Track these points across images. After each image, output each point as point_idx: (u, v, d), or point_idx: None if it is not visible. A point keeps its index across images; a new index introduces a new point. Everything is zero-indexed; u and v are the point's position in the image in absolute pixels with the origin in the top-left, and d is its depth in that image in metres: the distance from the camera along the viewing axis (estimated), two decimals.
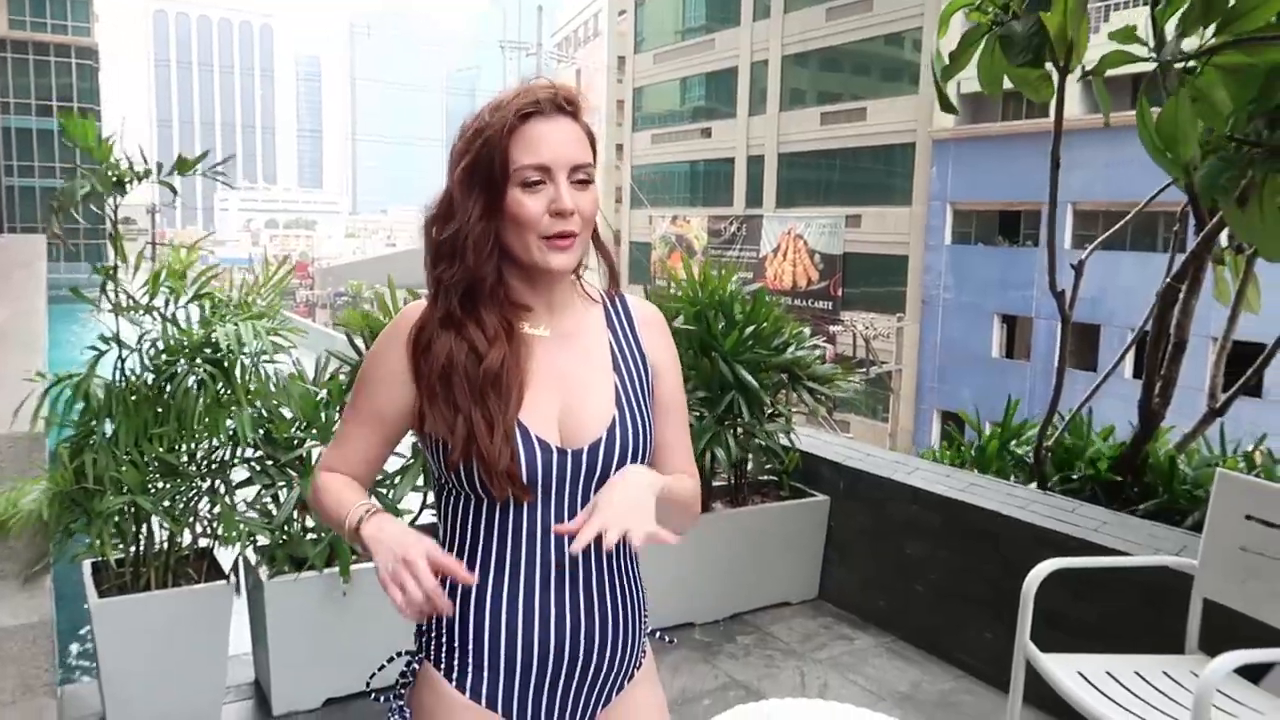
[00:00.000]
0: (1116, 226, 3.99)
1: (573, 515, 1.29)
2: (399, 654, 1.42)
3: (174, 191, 2.82)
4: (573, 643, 1.30)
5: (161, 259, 2.82)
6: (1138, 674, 2.41)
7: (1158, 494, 3.55)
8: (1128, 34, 2.65)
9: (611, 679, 1.36)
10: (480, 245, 1.27)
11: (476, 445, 1.25)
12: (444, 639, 1.32)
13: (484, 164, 1.26)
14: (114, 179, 2.67)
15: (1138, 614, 2.84)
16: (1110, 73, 2.82)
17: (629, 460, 1.32)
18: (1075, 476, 3.75)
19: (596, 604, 1.32)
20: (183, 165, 2.74)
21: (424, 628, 1.36)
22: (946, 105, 3.26)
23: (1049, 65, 3.04)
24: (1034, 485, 3.71)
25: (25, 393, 2.82)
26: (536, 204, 1.25)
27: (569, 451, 1.30)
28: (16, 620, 2.62)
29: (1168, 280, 3.43)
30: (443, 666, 1.32)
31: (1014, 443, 4.27)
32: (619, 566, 1.37)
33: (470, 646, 1.30)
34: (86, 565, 2.90)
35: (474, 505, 1.31)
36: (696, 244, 34.21)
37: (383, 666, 1.46)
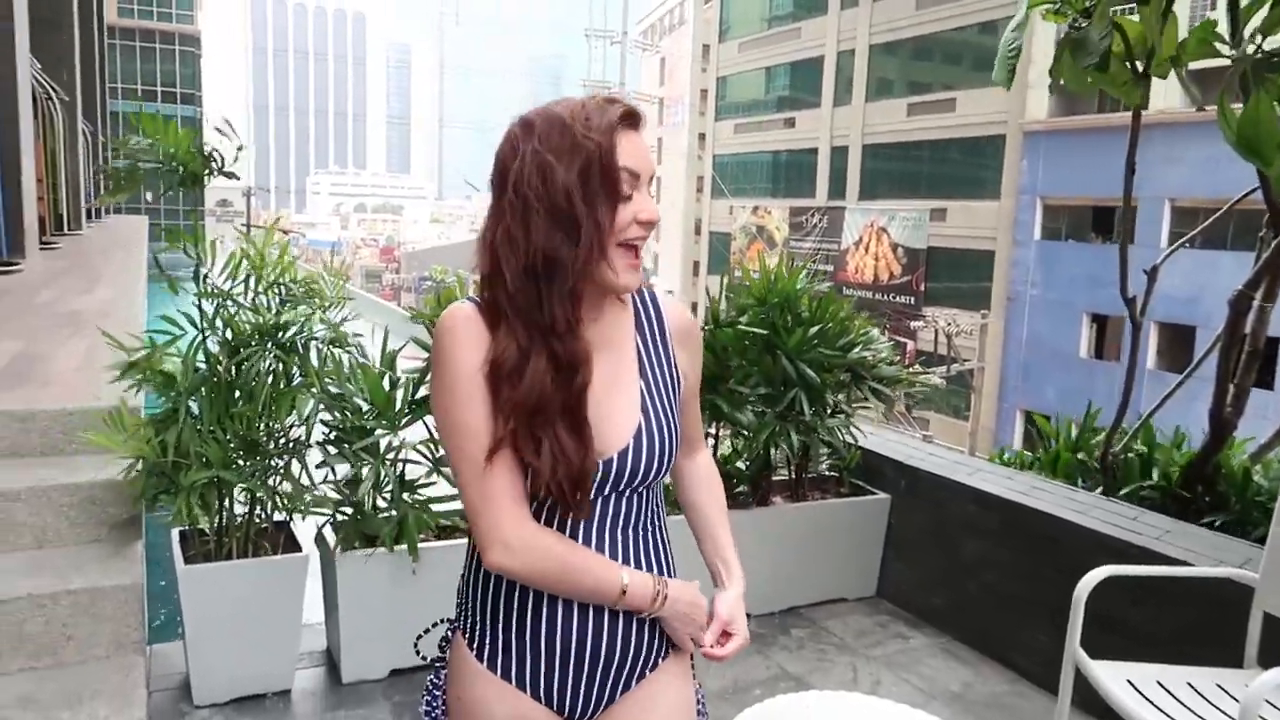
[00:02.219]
0: (1201, 227, 3.89)
1: (599, 520, 1.36)
2: (443, 620, 1.52)
3: (236, 177, 2.96)
4: (595, 630, 1.36)
5: (244, 244, 2.97)
6: (1190, 685, 2.38)
7: (1230, 506, 3.47)
8: (1206, 29, 2.59)
9: (632, 665, 1.40)
10: (601, 266, 1.27)
11: (567, 467, 1.27)
12: (474, 615, 1.41)
13: (598, 171, 1.25)
14: (183, 169, 2.82)
15: (1197, 625, 2.79)
16: (1208, 65, 2.77)
17: (655, 465, 1.36)
18: (1145, 485, 3.68)
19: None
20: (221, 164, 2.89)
21: (460, 601, 1.45)
22: (1005, 79, 3.19)
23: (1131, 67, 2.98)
24: (1100, 492, 3.66)
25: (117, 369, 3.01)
26: (626, 212, 1.29)
27: (599, 461, 1.33)
28: (110, 581, 2.81)
29: (1239, 288, 3.34)
30: (469, 637, 1.42)
31: (1086, 446, 4.21)
32: (645, 555, 1.41)
33: (495, 625, 1.38)
34: (175, 533, 3.09)
35: None
36: (777, 235, 33.98)
37: (428, 630, 1.56)
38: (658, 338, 1.45)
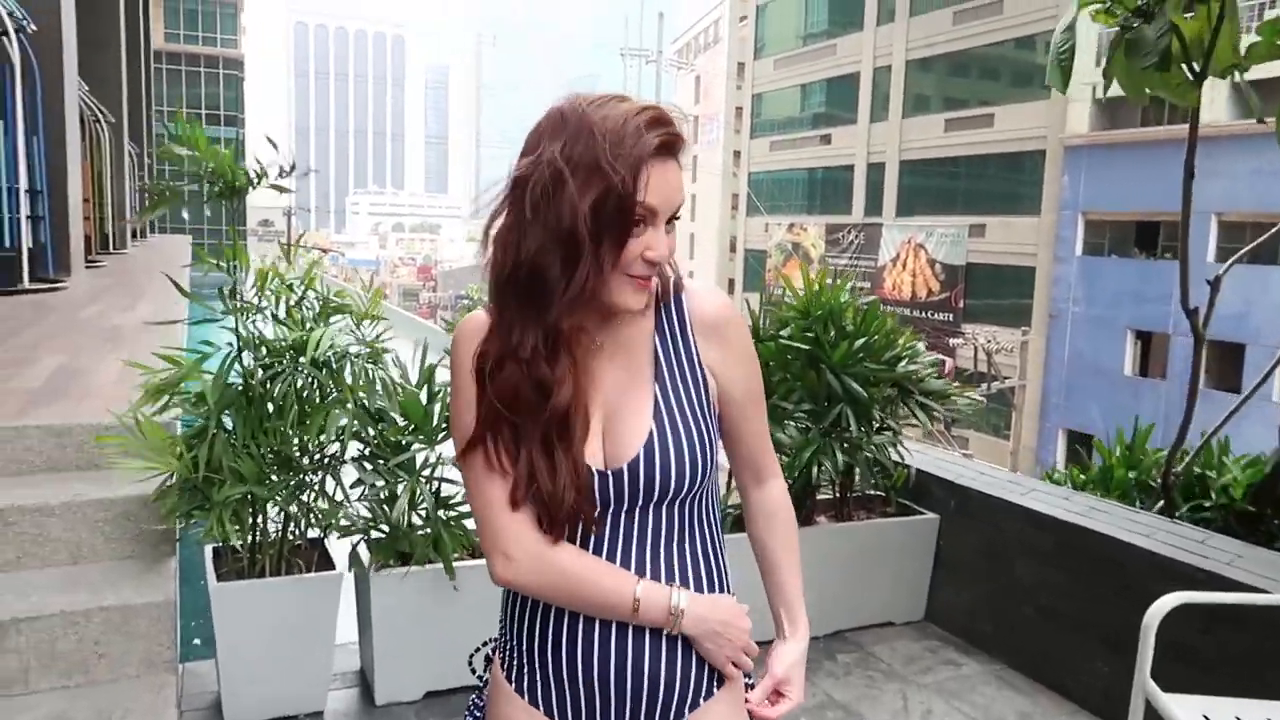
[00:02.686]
0: (1260, 240, 3.73)
1: (626, 536, 1.27)
2: (491, 640, 1.46)
3: (286, 191, 2.93)
4: (635, 662, 1.26)
5: (276, 261, 2.93)
6: None
7: None
8: (1274, 29, 2.47)
9: (678, 698, 1.30)
10: (600, 289, 1.18)
11: (538, 487, 1.21)
12: (506, 635, 1.35)
13: (613, 206, 1.14)
14: (223, 183, 2.79)
15: (1273, 655, 2.63)
16: (1266, 75, 2.64)
17: (673, 479, 1.25)
18: (1207, 505, 3.52)
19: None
20: (262, 178, 2.86)
21: (501, 627, 1.38)
22: (1059, 81, 3.06)
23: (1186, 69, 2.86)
24: (1160, 512, 3.50)
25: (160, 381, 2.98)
26: (634, 247, 1.19)
27: (609, 474, 1.24)
28: (142, 599, 2.77)
29: None
30: (503, 659, 1.36)
31: (1139, 470, 4.05)
32: (685, 579, 1.31)
33: (526, 647, 1.31)
34: (208, 550, 3.04)
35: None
36: (813, 252, 33.79)
37: (478, 649, 1.49)
38: (679, 335, 1.32)
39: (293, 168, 3.14)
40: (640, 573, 1.27)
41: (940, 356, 4.67)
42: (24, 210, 8.29)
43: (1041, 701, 3.20)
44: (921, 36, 30.10)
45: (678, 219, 1.24)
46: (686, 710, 1.31)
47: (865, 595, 3.72)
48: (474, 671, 1.49)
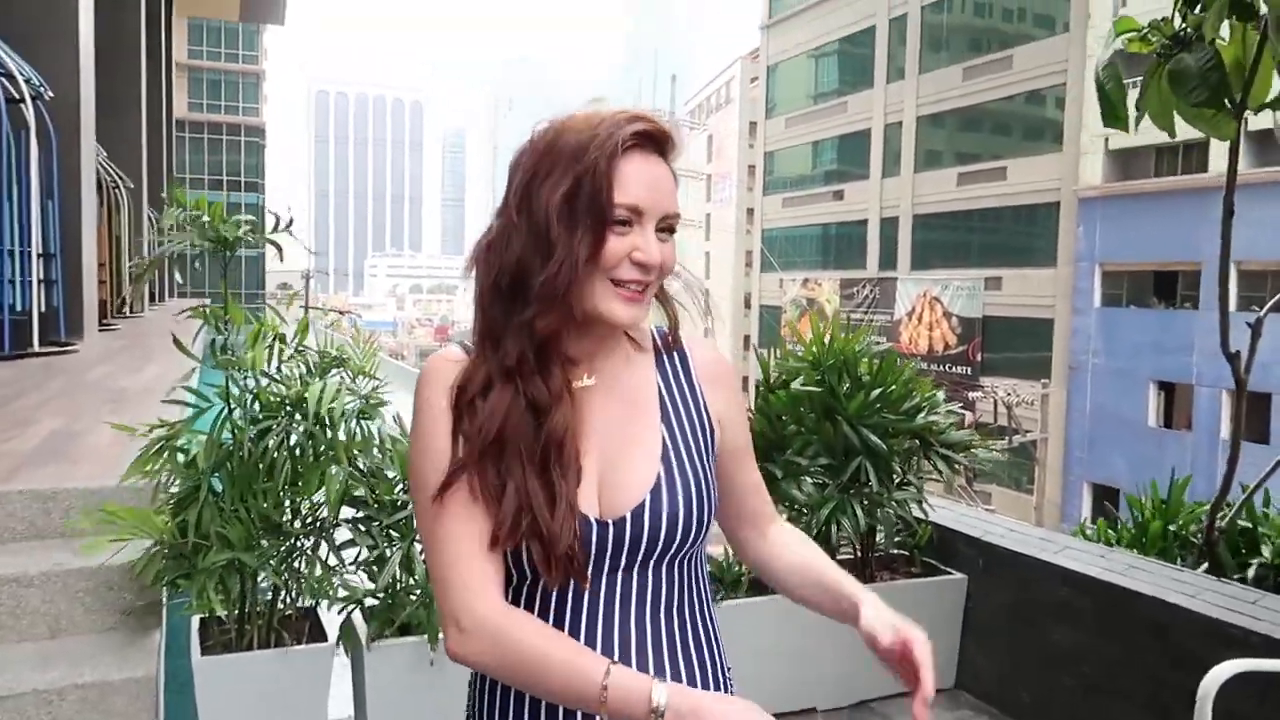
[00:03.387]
0: None
1: (621, 598, 1.12)
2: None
3: (278, 248, 2.85)
4: None
5: (264, 325, 2.83)
6: None
7: None
8: None
9: None
10: (580, 290, 1.09)
11: (534, 522, 1.07)
12: (474, 714, 1.21)
13: (586, 195, 1.08)
14: (220, 239, 2.71)
15: None
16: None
17: (678, 529, 1.13)
18: (1255, 563, 3.31)
19: None
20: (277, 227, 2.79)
21: (468, 700, 1.23)
22: (1117, 119, 2.92)
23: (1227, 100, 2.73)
24: (1204, 570, 3.29)
25: (149, 445, 2.86)
26: (619, 247, 1.09)
27: (609, 523, 1.11)
28: (122, 674, 2.61)
29: None
30: None
31: (1179, 524, 3.84)
32: (685, 649, 1.16)
33: None
34: (194, 621, 2.89)
35: (514, 588, 1.15)
36: (828, 307, 33.73)
37: None
38: (683, 379, 1.23)
39: (290, 223, 3.09)
40: (640, 646, 1.12)
41: (959, 411, 4.50)
42: (36, 274, 8.30)
43: None
44: (932, 92, 30.35)
45: (673, 230, 1.14)
46: None
47: None
48: None
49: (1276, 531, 3.39)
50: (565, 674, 1.04)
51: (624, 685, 1.02)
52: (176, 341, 2.68)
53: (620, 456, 1.14)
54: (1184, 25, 2.65)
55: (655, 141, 1.12)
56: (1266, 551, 3.35)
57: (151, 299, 19.06)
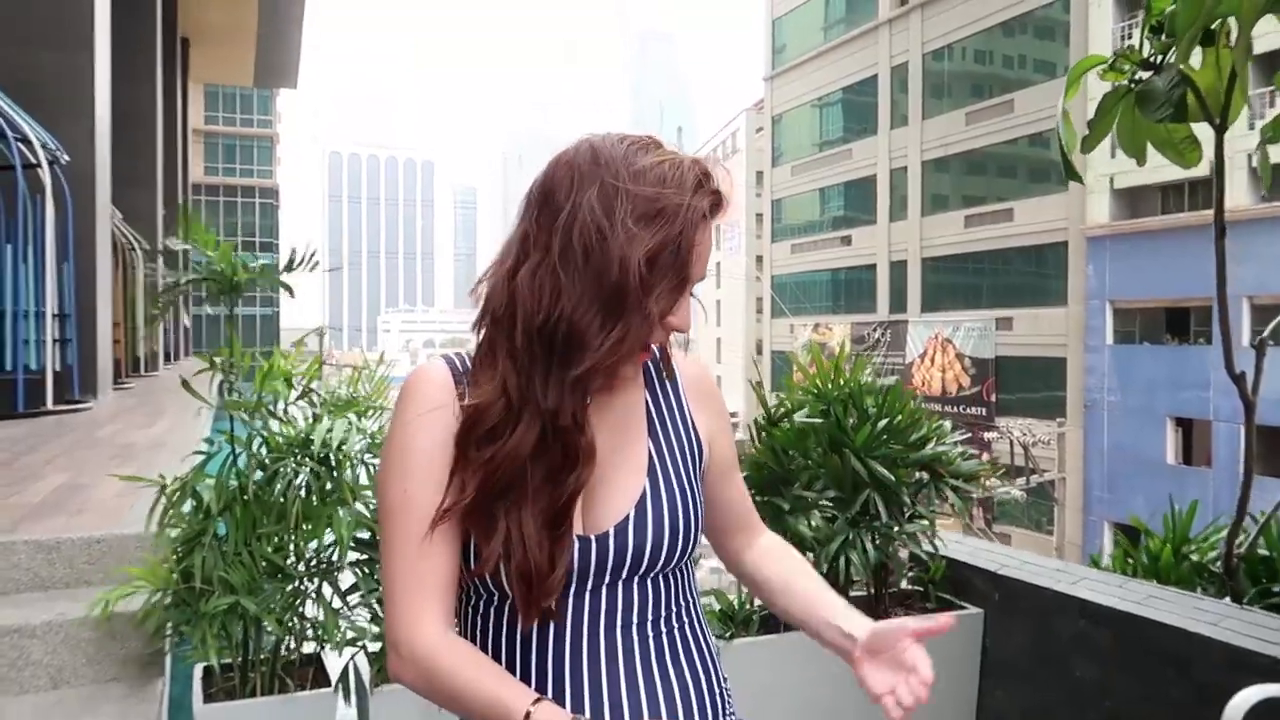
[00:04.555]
0: None
1: (606, 613, 1.10)
2: None
3: (289, 290, 2.86)
4: None
5: (272, 366, 2.83)
6: None
7: None
8: None
9: None
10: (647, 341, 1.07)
11: (523, 562, 1.04)
12: None
13: (671, 255, 1.03)
14: (229, 277, 2.72)
15: None
16: None
17: (664, 543, 1.10)
18: (1277, 589, 3.23)
19: (645, 705, 1.09)
20: (290, 265, 2.78)
21: None
22: (1071, 173, 2.98)
23: (1197, 125, 2.74)
24: (1226, 600, 3.22)
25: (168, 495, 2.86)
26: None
27: (593, 539, 1.09)
28: None
29: None
30: None
31: (1194, 551, 3.76)
32: (676, 662, 1.13)
33: None
34: (197, 669, 2.85)
35: (489, 605, 1.12)
36: (839, 351, 33.68)
37: None
38: (670, 395, 1.21)
39: (305, 259, 3.04)
40: (628, 660, 1.09)
41: (975, 450, 4.43)
42: (51, 334, 8.39)
43: None
44: (936, 138, 30.61)
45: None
46: None
47: None
48: None
49: None
50: (486, 707, 1.03)
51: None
52: (185, 384, 2.68)
53: (606, 473, 1.12)
54: (1152, 51, 2.68)
55: (718, 210, 1.10)
56: None
57: (166, 358, 19.23)
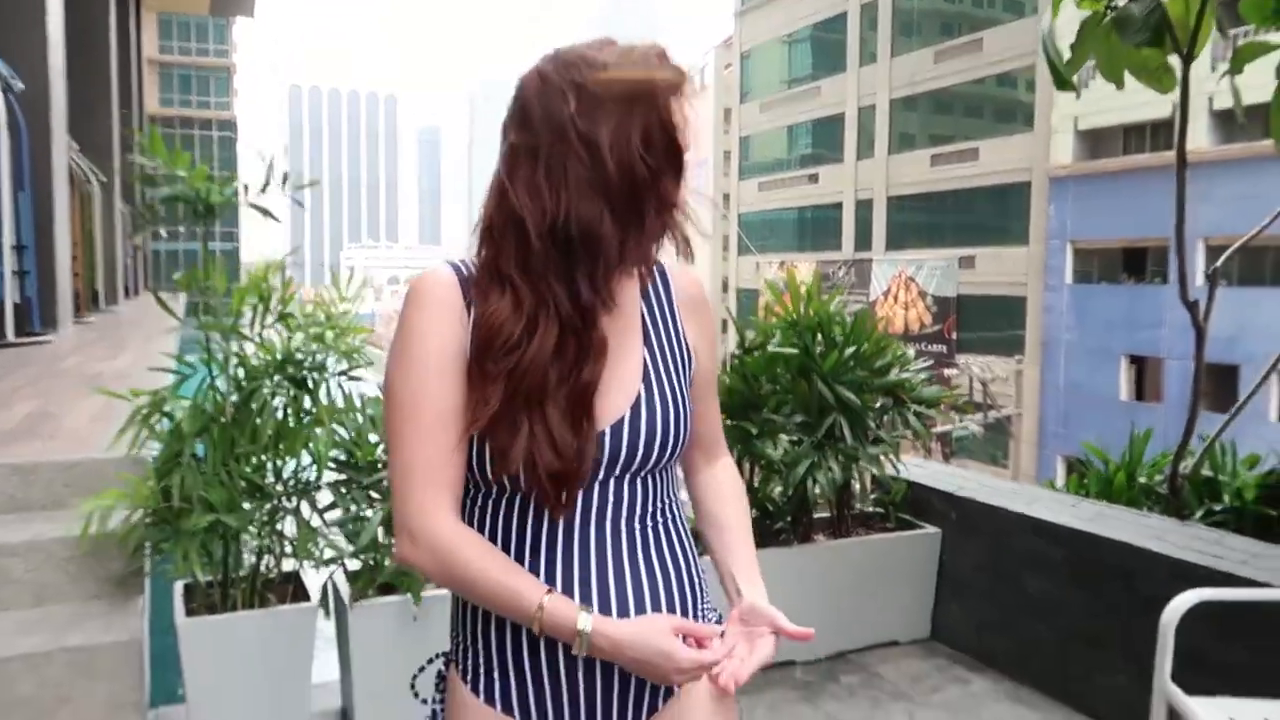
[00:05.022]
0: (1253, 234, 3.63)
1: (598, 509, 1.16)
2: (439, 654, 1.33)
3: (266, 213, 2.85)
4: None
5: (247, 280, 2.84)
6: None
7: None
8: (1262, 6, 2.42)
9: (653, 688, 1.20)
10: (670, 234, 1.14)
11: (550, 461, 1.10)
12: (463, 641, 1.23)
13: (659, 133, 1.09)
14: (199, 194, 2.71)
15: None
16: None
17: (659, 444, 1.17)
18: (1219, 508, 3.40)
19: (631, 595, 1.17)
20: (265, 187, 2.77)
21: (452, 630, 1.26)
22: (1062, 82, 3.01)
23: (1171, 55, 2.81)
24: (1171, 517, 3.38)
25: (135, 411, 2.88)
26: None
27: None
28: (108, 638, 2.63)
29: None
30: (460, 668, 1.23)
31: (1145, 475, 3.93)
32: (659, 554, 1.21)
33: (486, 649, 1.20)
34: (178, 586, 2.91)
35: (489, 499, 1.18)
36: (802, 289, 33.81)
37: (422, 668, 1.37)
38: (665, 305, 1.27)
39: (282, 180, 2.98)
40: (616, 552, 1.17)
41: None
42: (9, 265, 8.23)
43: (1054, 716, 3.05)
44: (904, 76, 30.47)
45: None
46: (665, 698, 1.22)
47: (867, 614, 3.58)
48: (417, 695, 1.34)
49: (1235, 479, 3.49)
50: (500, 595, 1.11)
51: (557, 613, 1.10)
52: (160, 300, 2.69)
53: (605, 375, 1.17)
54: None
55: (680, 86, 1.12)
56: (1226, 497, 3.45)
57: (124, 294, 18.89)
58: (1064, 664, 3.17)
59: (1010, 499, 3.52)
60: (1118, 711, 2.95)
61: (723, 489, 1.37)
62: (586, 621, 1.10)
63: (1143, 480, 3.83)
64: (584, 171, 1.06)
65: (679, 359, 1.24)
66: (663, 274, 1.28)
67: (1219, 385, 19.47)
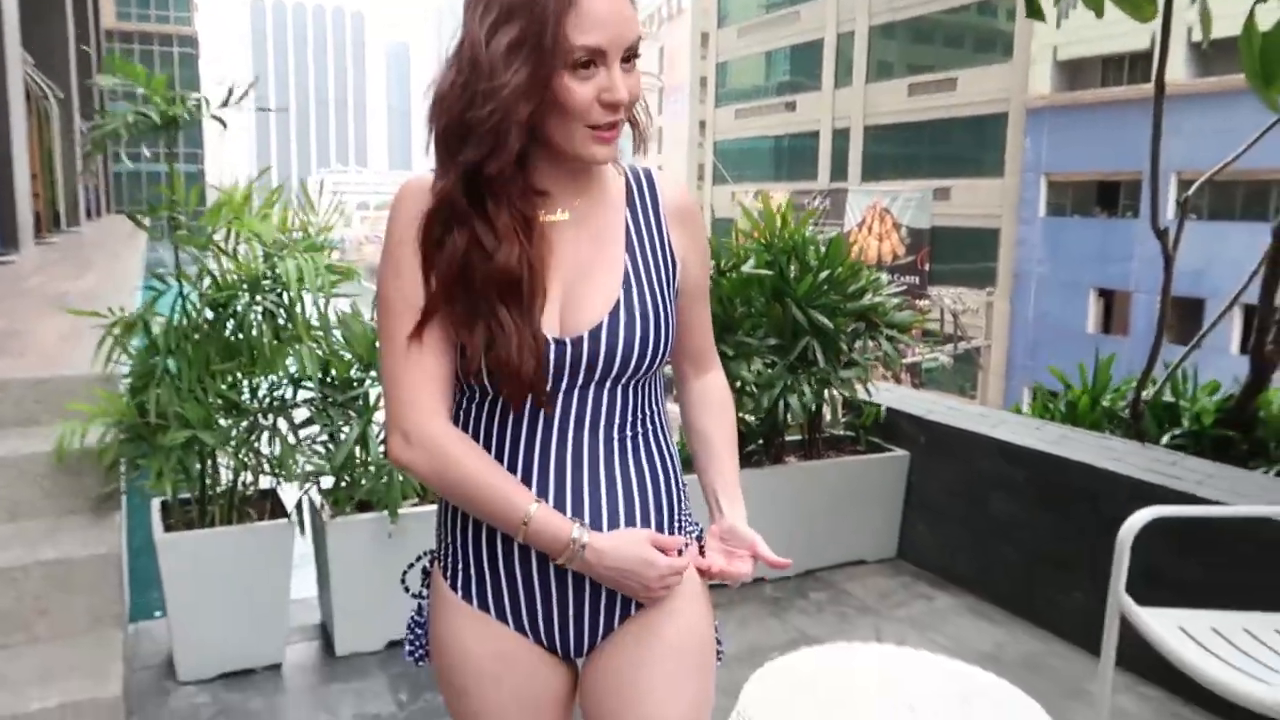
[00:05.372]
0: (1222, 165, 3.65)
1: (576, 416, 1.18)
2: (427, 552, 1.37)
3: (224, 124, 2.79)
4: None
5: (222, 195, 2.78)
6: (1247, 631, 2.20)
7: (1270, 451, 3.28)
8: None
9: (622, 595, 1.23)
10: (519, 130, 1.10)
11: (497, 354, 1.12)
12: (448, 541, 1.26)
13: (533, 38, 1.07)
14: (161, 112, 2.64)
15: (1247, 571, 2.60)
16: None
17: (639, 351, 1.18)
18: (1179, 432, 3.49)
19: (605, 504, 1.19)
20: (226, 101, 2.71)
21: (438, 529, 1.29)
22: (1034, 10, 3.00)
23: None
24: (1133, 440, 3.47)
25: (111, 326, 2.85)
26: (586, 91, 1.09)
27: (567, 341, 1.16)
28: (85, 552, 2.64)
29: None
30: (442, 565, 1.27)
31: (1109, 400, 4.01)
32: (638, 464, 1.23)
33: (464, 550, 1.23)
34: (155, 503, 2.92)
35: (472, 403, 1.21)
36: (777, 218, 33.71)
37: (411, 565, 1.41)
38: (650, 214, 1.26)
39: (246, 93, 2.94)
40: (593, 460, 1.19)
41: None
42: None
43: (1015, 631, 3.17)
44: (884, 2, 29.99)
45: (637, 56, 1.14)
46: (640, 604, 1.24)
47: (837, 534, 3.67)
48: (408, 589, 1.40)
49: (1195, 404, 3.57)
50: (490, 504, 1.15)
51: (545, 521, 1.14)
52: (131, 216, 2.64)
53: (583, 281, 1.18)
54: None
55: None
56: (1186, 421, 3.54)
57: (87, 215, 18.45)
58: (1026, 581, 3.28)
59: (978, 422, 3.59)
60: (1076, 625, 3.07)
61: (710, 403, 1.38)
62: (582, 532, 1.14)
63: (1105, 404, 3.91)
64: (467, 73, 1.10)
65: (663, 268, 1.24)
66: (650, 182, 1.27)
67: (1184, 318, 19.78)
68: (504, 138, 1.10)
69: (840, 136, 31.99)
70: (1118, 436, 3.55)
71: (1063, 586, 3.13)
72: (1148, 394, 3.53)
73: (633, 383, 1.21)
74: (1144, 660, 2.41)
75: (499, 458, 1.18)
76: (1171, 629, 2.18)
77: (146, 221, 2.94)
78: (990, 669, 2.71)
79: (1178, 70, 20.04)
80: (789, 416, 3.53)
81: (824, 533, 3.63)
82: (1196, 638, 2.15)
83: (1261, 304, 3.29)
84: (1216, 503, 2.65)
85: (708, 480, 1.35)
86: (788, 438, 3.69)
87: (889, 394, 3.98)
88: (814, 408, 3.48)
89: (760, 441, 3.58)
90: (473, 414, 1.21)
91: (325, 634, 3.08)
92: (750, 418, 3.53)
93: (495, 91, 1.08)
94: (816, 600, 3.39)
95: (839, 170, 31.98)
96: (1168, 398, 3.70)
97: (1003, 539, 3.38)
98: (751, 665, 2.74)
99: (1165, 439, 3.49)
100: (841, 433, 3.87)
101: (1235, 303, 4.08)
